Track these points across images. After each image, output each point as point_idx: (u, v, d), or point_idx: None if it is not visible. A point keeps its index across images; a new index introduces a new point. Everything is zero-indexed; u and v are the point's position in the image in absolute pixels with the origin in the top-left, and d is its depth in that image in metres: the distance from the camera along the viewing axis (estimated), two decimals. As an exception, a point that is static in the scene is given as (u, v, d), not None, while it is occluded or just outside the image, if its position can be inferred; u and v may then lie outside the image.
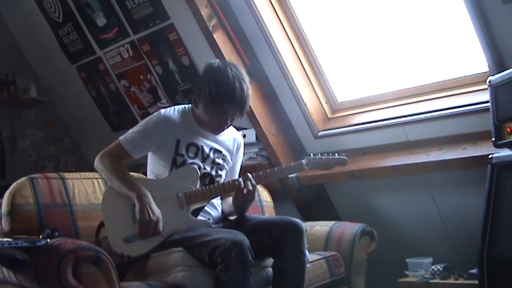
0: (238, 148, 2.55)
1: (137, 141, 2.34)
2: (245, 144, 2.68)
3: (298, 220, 2.27)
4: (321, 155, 2.45)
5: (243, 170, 2.63)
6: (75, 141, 4.89)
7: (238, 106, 2.30)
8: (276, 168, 2.40)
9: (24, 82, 4.52)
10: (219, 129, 2.39)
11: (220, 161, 2.45)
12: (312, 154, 2.44)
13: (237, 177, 2.53)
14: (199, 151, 2.39)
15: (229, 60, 2.41)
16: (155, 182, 2.36)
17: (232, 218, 2.52)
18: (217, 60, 2.42)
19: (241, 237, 2.08)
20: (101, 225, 2.30)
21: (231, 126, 2.50)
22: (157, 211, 2.21)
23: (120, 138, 2.35)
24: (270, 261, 2.29)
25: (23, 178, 2.32)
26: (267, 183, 2.83)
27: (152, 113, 2.46)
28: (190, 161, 2.36)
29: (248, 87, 2.33)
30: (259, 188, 3.06)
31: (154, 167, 2.42)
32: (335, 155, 2.47)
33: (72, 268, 1.79)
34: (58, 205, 2.34)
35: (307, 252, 2.36)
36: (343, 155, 2.47)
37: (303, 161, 2.42)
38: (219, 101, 2.28)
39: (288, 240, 2.20)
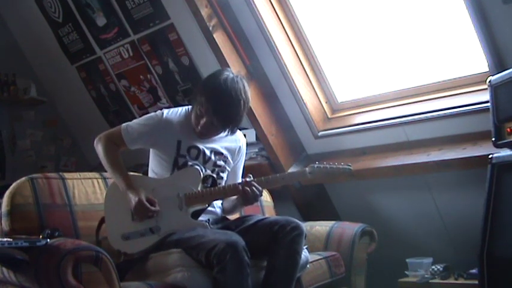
0: (240, 149, 2.53)
1: (135, 135, 2.37)
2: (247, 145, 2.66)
3: (299, 222, 2.27)
4: (325, 163, 2.35)
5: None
6: (75, 141, 4.88)
7: (216, 114, 2.25)
8: (278, 175, 2.37)
9: (24, 82, 4.51)
10: (200, 134, 2.35)
11: (221, 163, 2.44)
12: (316, 162, 2.35)
13: (239, 179, 2.53)
14: (200, 154, 2.39)
15: (238, 73, 2.37)
16: (157, 181, 2.37)
17: (230, 216, 2.52)
18: (229, 71, 2.37)
19: (236, 238, 2.08)
20: (102, 221, 2.31)
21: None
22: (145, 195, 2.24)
23: (123, 125, 2.40)
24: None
25: (23, 178, 2.33)
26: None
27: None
28: (191, 162, 2.36)
29: (240, 101, 2.27)
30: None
31: (155, 165, 2.43)
32: (340, 164, 2.37)
33: (72, 268, 1.80)
34: (58, 205, 2.34)
35: (306, 252, 2.36)
36: (348, 165, 2.38)
37: (306, 169, 2.33)
38: (201, 103, 2.27)
39: (286, 236, 2.19)
